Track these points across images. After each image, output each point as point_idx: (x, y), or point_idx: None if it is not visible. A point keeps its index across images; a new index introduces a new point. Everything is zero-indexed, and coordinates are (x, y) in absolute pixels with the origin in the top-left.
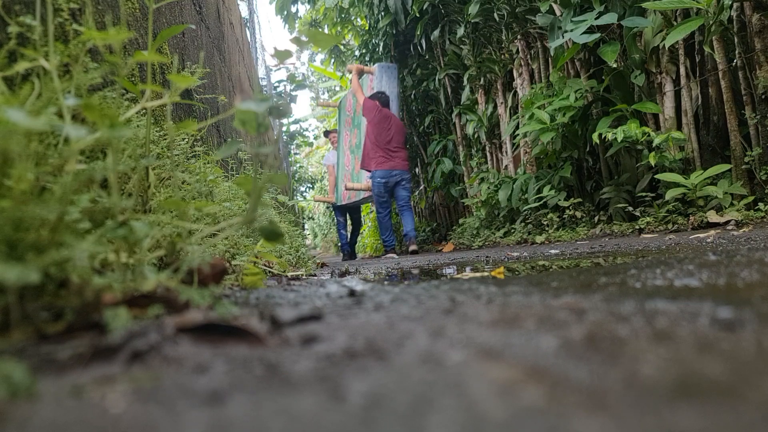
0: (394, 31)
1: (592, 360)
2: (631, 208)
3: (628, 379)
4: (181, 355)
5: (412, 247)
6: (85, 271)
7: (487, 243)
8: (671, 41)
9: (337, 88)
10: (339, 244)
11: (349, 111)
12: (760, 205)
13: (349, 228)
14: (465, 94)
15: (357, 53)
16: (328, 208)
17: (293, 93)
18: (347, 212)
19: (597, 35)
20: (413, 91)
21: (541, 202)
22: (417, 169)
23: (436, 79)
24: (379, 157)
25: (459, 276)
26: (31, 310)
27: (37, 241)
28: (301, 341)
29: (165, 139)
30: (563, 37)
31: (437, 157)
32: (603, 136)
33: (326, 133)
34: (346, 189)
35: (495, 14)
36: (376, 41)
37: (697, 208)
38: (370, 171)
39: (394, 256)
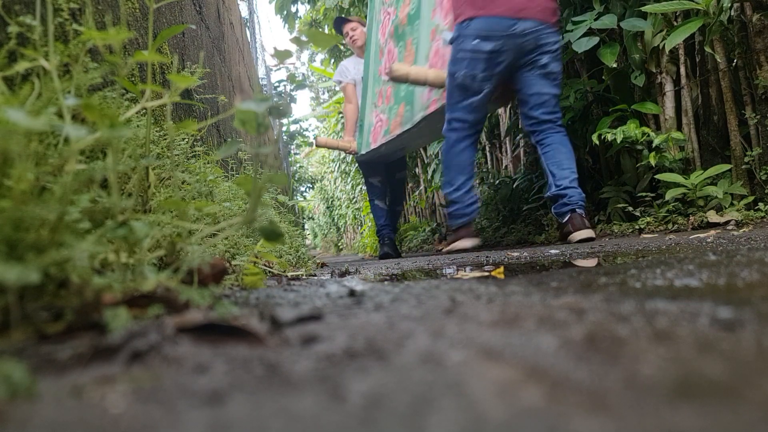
0: None
1: (592, 360)
2: (631, 208)
3: (628, 379)
4: (181, 355)
5: (581, 234)
6: (85, 271)
7: (487, 243)
8: (671, 45)
9: (337, 88)
10: (377, 231)
11: None
12: (760, 205)
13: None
14: None
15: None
16: (328, 207)
17: (293, 93)
18: (382, 170)
19: (596, 39)
20: None
21: (541, 202)
22: (417, 170)
23: None
24: None
25: (459, 276)
26: (31, 310)
27: (37, 241)
28: (301, 341)
29: (165, 139)
30: (563, 37)
31: (437, 157)
32: (602, 137)
33: (339, 24)
34: (392, 77)
35: None
36: None
37: (697, 208)
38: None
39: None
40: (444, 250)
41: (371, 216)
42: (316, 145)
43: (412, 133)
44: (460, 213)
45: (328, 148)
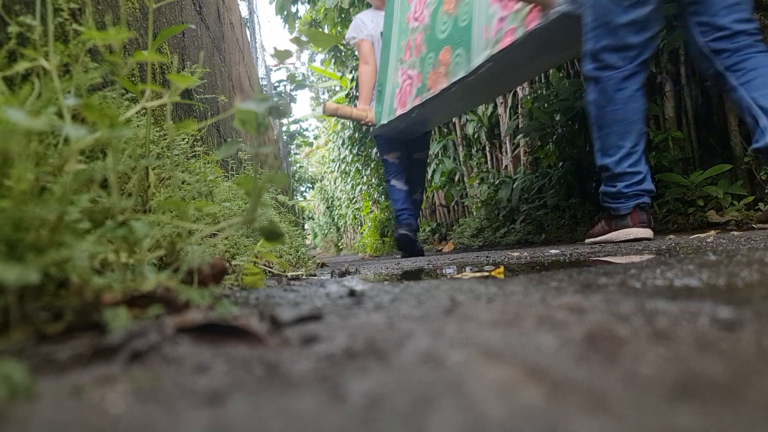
0: None
1: (592, 360)
2: None
3: (628, 379)
4: (181, 355)
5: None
6: (85, 271)
7: (487, 243)
8: (670, 47)
9: (337, 88)
10: (396, 215)
11: None
12: (760, 205)
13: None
14: None
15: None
16: (328, 207)
17: (293, 93)
18: (402, 145)
19: None
20: None
21: (541, 202)
22: None
23: None
24: None
25: (459, 276)
26: (30, 310)
27: (37, 241)
28: (301, 341)
29: (165, 139)
30: None
31: (437, 157)
32: None
33: None
34: None
35: None
36: None
37: (697, 208)
38: None
39: None
40: (599, 238)
41: (371, 216)
42: (324, 113)
43: (464, 85)
44: (633, 191)
45: (339, 116)
